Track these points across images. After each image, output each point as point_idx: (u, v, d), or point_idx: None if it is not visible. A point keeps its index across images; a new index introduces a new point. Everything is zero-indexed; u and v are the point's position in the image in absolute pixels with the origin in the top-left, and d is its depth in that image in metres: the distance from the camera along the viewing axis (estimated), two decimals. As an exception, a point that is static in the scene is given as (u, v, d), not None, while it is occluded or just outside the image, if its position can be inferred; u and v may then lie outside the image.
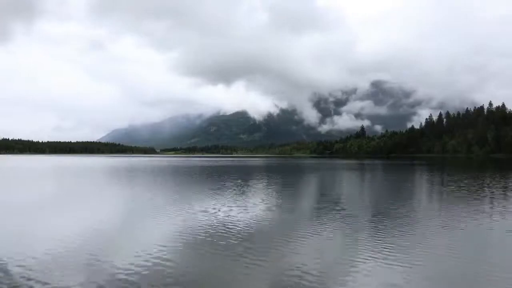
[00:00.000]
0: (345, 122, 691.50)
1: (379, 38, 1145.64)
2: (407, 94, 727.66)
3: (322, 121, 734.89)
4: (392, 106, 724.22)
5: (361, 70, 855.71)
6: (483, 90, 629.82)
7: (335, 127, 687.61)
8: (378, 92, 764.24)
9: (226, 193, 22.66)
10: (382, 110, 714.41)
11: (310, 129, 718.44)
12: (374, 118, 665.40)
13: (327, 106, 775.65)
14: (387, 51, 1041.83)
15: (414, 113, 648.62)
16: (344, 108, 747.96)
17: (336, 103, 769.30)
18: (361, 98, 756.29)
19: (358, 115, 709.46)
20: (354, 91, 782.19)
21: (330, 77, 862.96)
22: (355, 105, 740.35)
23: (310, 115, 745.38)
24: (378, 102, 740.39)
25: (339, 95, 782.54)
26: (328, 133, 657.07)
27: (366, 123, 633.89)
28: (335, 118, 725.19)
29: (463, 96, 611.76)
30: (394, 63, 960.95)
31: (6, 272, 8.32)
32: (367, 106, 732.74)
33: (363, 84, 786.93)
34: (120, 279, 7.96)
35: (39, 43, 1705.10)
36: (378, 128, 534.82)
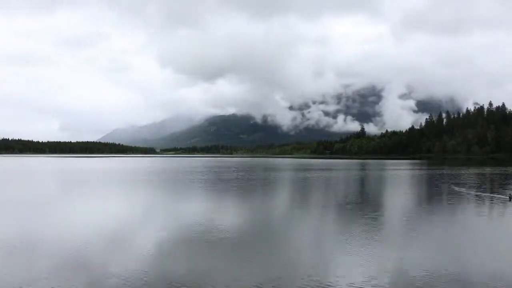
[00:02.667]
0: (316, 116, 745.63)
1: (351, 50, 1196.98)
2: (374, 94, 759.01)
3: (294, 119, 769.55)
4: (361, 104, 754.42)
5: (335, 75, 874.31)
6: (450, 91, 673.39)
7: (306, 123, 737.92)
8: (349, 93, 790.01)
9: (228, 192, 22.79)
10: (353, 107, 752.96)
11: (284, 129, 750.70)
12: (348, 115, 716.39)
13: (303, 104, 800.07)
14: (357, 59, 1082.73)
15: (379, 110, 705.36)
16: (315, 107, 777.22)
17: (309, 103, 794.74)
18: (333, 98, 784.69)
19: (327, 113, 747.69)
20: (325, 92, 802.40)
21: (307, 81, 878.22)
22: (325, 105, 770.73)
23: (286, 115, 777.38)
24: (348, 101, 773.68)
25: (313, 95, 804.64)
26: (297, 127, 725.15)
27: (340, 119, 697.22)
28: (307, 115, 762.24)
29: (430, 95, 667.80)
30: (363, 69, 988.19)
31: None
32: (338, 104, 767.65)
33: (335, 86, 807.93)
34: (120, 277, 8.07)
35: (39, 44, 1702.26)
36: (349, 118, 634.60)
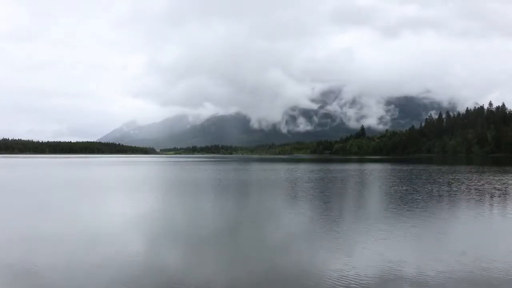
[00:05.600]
0: (315, 117, 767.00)
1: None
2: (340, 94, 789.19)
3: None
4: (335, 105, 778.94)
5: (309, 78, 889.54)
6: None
7: (306, 124, 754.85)
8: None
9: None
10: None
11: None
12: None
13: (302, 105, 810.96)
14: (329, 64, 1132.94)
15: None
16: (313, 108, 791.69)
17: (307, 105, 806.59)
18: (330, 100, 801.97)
19: (326, 114, 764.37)
20: (321, 94, 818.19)
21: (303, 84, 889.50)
22: (322, 106, 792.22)
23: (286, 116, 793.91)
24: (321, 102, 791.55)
25: (310, 97, 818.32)
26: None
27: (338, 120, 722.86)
28: (306, 116, 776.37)
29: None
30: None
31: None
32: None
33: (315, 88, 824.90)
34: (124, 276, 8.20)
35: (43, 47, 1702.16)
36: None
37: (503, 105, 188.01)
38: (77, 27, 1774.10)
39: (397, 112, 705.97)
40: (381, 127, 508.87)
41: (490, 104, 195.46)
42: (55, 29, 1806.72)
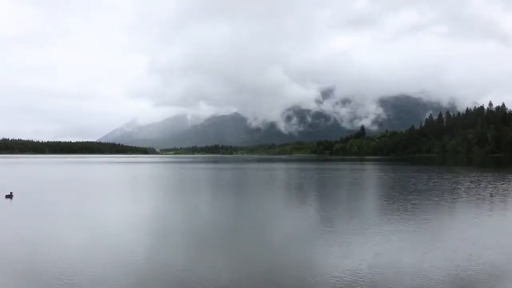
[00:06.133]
0: (315, 117, 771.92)
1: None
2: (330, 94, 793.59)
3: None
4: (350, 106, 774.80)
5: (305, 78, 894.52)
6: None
7: (306, 124, 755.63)
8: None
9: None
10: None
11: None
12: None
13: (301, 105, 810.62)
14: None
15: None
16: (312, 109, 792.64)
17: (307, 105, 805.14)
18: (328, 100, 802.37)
19: (323, 114, 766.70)
20: (320, 94, 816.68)
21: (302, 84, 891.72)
22: (320, 106, 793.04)
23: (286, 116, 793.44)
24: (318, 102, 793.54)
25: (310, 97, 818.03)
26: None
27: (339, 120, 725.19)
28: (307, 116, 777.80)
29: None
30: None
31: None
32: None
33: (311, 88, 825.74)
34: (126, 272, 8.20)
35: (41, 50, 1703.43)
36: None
37: (503, 105, 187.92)
38: (79, 29, 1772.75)
39: (393, 113, 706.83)
40: (376, 128, 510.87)
41: (490, 104, 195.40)
42: (56, 31, 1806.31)
